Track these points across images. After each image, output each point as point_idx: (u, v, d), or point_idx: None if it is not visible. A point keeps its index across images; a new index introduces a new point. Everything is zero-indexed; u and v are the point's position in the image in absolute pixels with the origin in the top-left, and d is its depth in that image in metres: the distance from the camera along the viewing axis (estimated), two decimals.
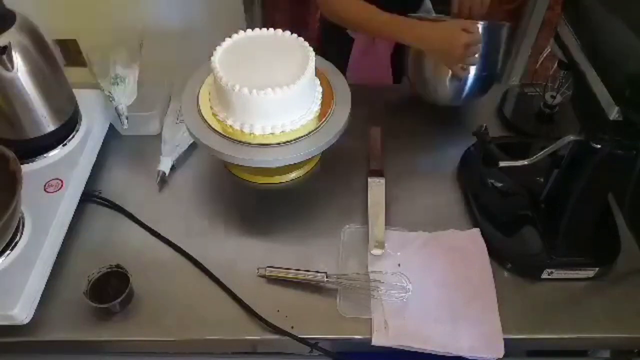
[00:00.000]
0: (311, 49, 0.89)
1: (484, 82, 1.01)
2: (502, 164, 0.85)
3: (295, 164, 0.88)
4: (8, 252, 0.79)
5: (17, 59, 0.82)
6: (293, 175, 1.00)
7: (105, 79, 1.00)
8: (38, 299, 0.79)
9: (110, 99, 0.99)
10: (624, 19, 0.67)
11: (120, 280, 0.81)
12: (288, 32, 0.93)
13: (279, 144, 0.86)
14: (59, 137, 0.94)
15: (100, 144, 1.02)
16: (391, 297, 0.81)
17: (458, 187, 0.98)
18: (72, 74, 1.00)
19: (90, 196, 0.95)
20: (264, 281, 0.85)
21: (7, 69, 0.82)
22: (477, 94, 1.03)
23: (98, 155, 1.00)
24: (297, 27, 0.96)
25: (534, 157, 0.82)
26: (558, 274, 0.84)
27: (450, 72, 0.97)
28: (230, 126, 0.88)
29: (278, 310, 0.81)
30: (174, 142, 1.01)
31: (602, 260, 0.85)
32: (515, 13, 1.65)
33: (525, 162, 0.83)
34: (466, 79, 0.98)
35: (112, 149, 1.05)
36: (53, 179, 0.89)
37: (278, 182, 1.00)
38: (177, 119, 1.05)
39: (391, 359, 0.81)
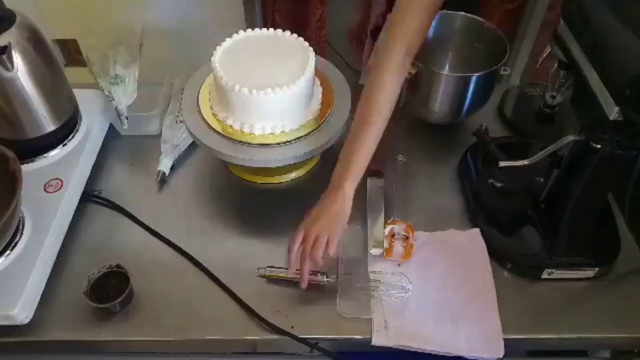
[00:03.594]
0: (311, 49, 0.89)
1: (483, 95, 1.01)
2: (502, 164, 0.85)
3: (295, 164, 0.88)
4: (8, 252, 0.79)
5: (17, 59, 0.83)
6: (293, 175, 1.00)
7: (105, 79, 1.00)
8: (38, 299, 0.79)
9: (110, 99, 0.99)
10: (624, 19, 0.67)
11: (120, 280, 0.81)
12: (288, 32, 0.93)
13: (279, 144, 0.86)
14: (59, 137, 0.94)
15: (100, 144, 1.02)
16: (391, 297, 0.81)
17: (458, 187, 0.98)
18: (72, 74, 1.00)
19: (90, 196, 0.96)
20: (264, 281, 0.85)
21: (7, 69, 0.82)
22: (477, 107, 1.02)
23: (98, 155, 1.00)
24: (297, 27, 0.96)
25: (534, 157, 0.82)
26: (558, 274, 0.84)
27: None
28: (230, 126, 0.88)
29: (278, 310, 0.81)
30: (174, 142, 1.01)
31: (602, 260, 0.85)
32: (515, 13, 1.64)
33: (525, 162, 0.83)
34: (465, 96, 0.97)
35: (112, 149, 1.05)
36: (53, 179, 0.89)
37: (278, 182, 1.00)
38: (177, 119, 1.05)
39: (391, 359, 0.81)
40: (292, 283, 0.84)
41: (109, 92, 0.99)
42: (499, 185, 0.95)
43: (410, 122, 1.10)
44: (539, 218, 0.89)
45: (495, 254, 0.87)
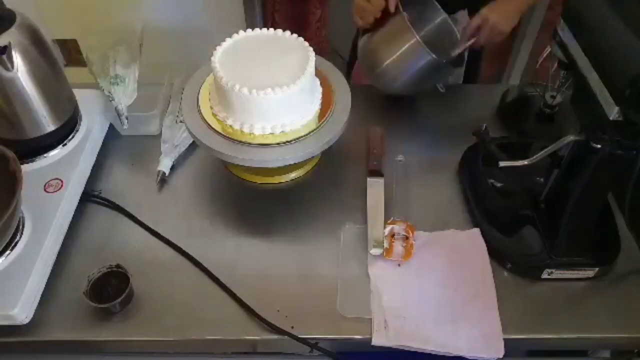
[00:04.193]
0: (311, 49, 0.89)
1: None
2: (502, 164, 0.85)
3: (295, 164, 0.88)
4: (8, 252, 0.79)
5: (17, 59, 0.83)
6: (293, 175, 1.00)
7: (105, 79, 1.00)
8: (38, 299, 0.79)
9: (110, 99, 0.99)
10: (624, 19, 0.67)
11: (120, 280, 0.81)
12: (288, 32, 0.93)
13: (278, 144, 0.86)
14: (59, 137, 0.94)
15: (100, 144, 1.02)
16: (391, 296, 0.81)
17: (458, 187, 0.98)
18: (72, 74, 1.00)
19: (90, 196, 0.96)
20: (264, 281, 0.85)
21: (7, 69, 0.82)
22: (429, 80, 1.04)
23: (98, 155, 1.00)
24: (297, 27, 0.96)
25: (534, 157, 0.82)
26: (558, 274, 0.84)
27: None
28: (230, 126, 0.88)
29: (278, 310, 0.81)
30: (174, 142, 1.01)
31: (602, 260, 0.85)
32: None
33: (525, 162, 0.83)
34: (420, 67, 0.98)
35: (112, 149, 1.05)
36: (53, 179, 0.89)
37: (278, 182, 1.00)
38: (177, 119, 1.05)
39: (391, 359, 0.81)
40: (292, 283, 0.84)
41: (109, 92, 0.99)
42: (499, 185, 0.95)
43: (411, 123, 1.11)
44: (539, 218, 0.89)
45: (495, 254, 0.87)
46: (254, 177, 1.00)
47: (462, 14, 1.15)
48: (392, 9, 0.96)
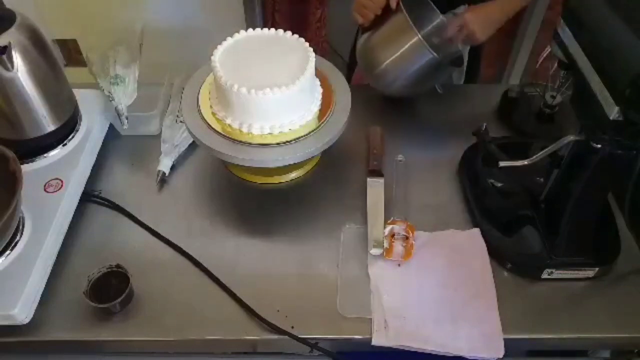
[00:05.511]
0: (311, 49, 0.89)
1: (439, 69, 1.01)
2: (502, 164, 0.85)
3: (295, 164, 0.88)
4: (8, 252, 0.79)
5: (17, 59, 0.83)
6: (293, 175, 1.00)
7: (105, 79, 1.00)
8: (38, 299, 0.79)
9: (110, 99, 0.99)
10: (624, 19, 0.67)
11: (120, 280, 0.81)
12: (288, 32, 0.93)
13: (278, 144, 0.86)
14: (59, 137, 0.94)
15: (100, 144, 1.02)
16: (391, 296, 0.81)
17: (458, 187, 0.98)
18: (72, 74, 1.00)
19: (90, 196, 0.96)
20: (264, 281, 0.85)
21: (7, 69, 0.82)
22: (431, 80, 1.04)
23: (98, 155, 1.00)
24: (297, 27, 0.96)
25: (534, 157, 0.82)
26: (558, 274, 0.84)
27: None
28: (229, 125, 0.88)
29: (278, 310, 0.81)
30: (174, 142, 1.01)
31: (602, 260, 0.85)
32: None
33: (525, 162, 0.83)
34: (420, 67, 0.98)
35: (112, 149, 1.05)
36: (53, 179, 0.89)
37: (278, 182, 1.00)
38: (177, 119, 1.05)
39: (391, 359, 0.81)
40: (292, 283, 0.84)
41: (109, 92, 0.99)
42: (499, 185, 0.95)
43: (411, 122, 1.11)
44: (539, 218, 0.89)
45: (495, 254, 0.87)
46: (254, 177, 1.00)
47: (464, 9, 1.15)
48: (393, 5, 0.95)
